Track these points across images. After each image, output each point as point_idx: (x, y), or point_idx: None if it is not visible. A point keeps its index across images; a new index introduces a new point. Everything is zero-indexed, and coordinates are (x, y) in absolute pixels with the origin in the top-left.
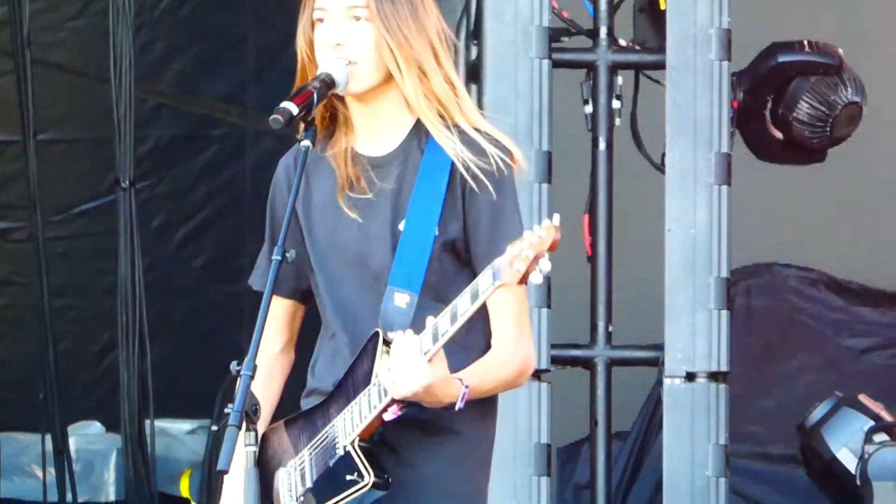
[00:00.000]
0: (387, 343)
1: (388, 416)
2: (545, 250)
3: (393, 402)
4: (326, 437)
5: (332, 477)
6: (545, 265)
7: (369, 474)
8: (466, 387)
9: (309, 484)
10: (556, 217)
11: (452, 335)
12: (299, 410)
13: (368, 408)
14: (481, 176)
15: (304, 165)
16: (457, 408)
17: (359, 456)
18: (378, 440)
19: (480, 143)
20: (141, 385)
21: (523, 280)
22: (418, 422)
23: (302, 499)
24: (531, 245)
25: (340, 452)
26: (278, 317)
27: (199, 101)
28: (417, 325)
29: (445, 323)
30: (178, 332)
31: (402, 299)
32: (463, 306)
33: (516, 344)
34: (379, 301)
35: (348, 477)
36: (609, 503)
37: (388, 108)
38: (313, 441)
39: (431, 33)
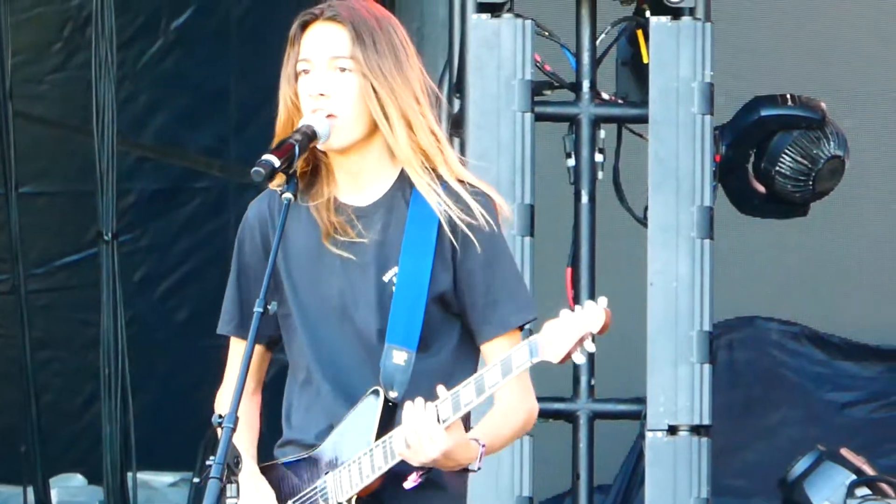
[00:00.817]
0: (388, 402)
1: (408, 485)
2: (595, 332)
3: (412, 469)
4: (316, 491)
5: None
6: (590, 346)
7: None
8: (483, 446)
9: None
10: (604, 300)
11: (477, 406)
12: (274, 459)
13: (371, 468)
14: (467, 231)
15: (285, 218)
16: (476, 468)
17: None
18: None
19: (465, 198)
20: (123, 437)
21: (565, 360)
22: (406, 477)
23: None
24: (580, 325)
25: None
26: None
27: (182, 154)
28: (414, 382)
29: (470, 394)
30: (161, 384)
31: (400, 356)
32: (492, 379)
33: (520, 396)
34: (363, 351)
35: None
36: None
37: (371, 161)
38: (300, 494)
39: (415, 85)
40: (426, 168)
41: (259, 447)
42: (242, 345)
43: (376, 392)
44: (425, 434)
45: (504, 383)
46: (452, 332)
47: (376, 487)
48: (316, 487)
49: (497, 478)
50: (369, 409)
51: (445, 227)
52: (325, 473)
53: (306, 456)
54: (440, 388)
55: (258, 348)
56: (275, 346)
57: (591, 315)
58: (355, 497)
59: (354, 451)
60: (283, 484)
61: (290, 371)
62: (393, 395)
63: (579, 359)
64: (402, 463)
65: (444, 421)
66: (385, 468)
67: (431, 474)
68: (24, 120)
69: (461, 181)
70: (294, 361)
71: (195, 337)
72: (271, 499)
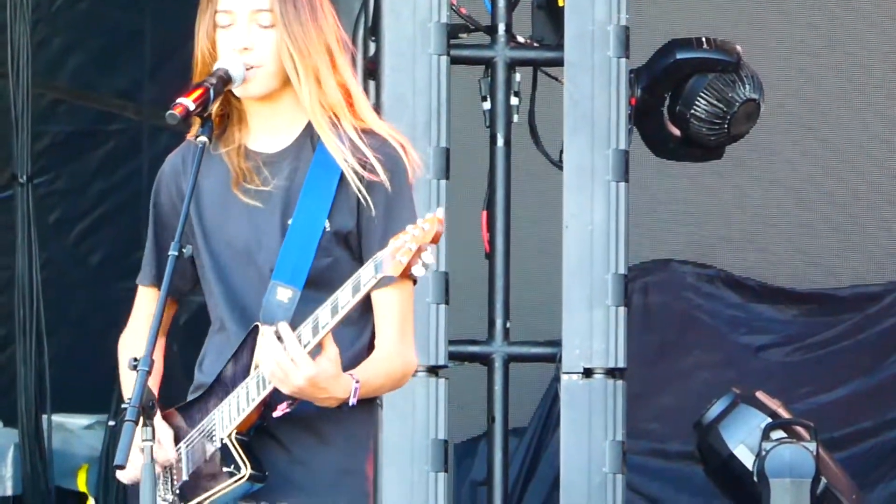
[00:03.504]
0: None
1: (276, 414)
2: (428, 242)
3: (281, 400)
4: (203, 429)
5: (209, 469)
6: (428, 258)
7: (246, 466)
8: (357, 382)
9: (185, 477)
10: (441, 210)
11: (334, 327)
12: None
13: (247, 400)
14: (371, 181)
15: (200, 161)
16: (350, 403)
17: (236, 448)
18: (267, 436)
19: (368, 151)
20: (38, 380)
21: (405, 272)
22: (307, 417)
23: (178, 492)
24: (414, 237)
25: (217, 445)
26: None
27: (97, 97)
28: (299, 320)
29: (326, 315)
30: (75, 327)
31: (284, 294)
32: (344, 299)
33: (398, 347)
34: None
35: (225, 469)
36: (506, 500)
37: (286, 107)
38: (190, 434)
39: (329, 36)
40: (333, 123)
41: (179, 394)
42: (151, 292)
43: (257, 328)
44: (287, 358)
45: (356, 301)
46: None
47: (255, 420)
48: (204, 426)
49: (412, 421)
50: (248, 344)
51: (348, 177)
52: (212, 411)
53: (197, 396)
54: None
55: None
56: (182, 297)
57: (426, 227)
58: (235, 431)
59: (234, 386)
60: (181, 428)
61: (211, 322)
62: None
63: (419, 271)
64: (276, 393)
65: (305, 345)
66: (258, 399)
67: (332, 414)
68: None
69: (369, 130)
70: (210, 310)
71: (110, 279)
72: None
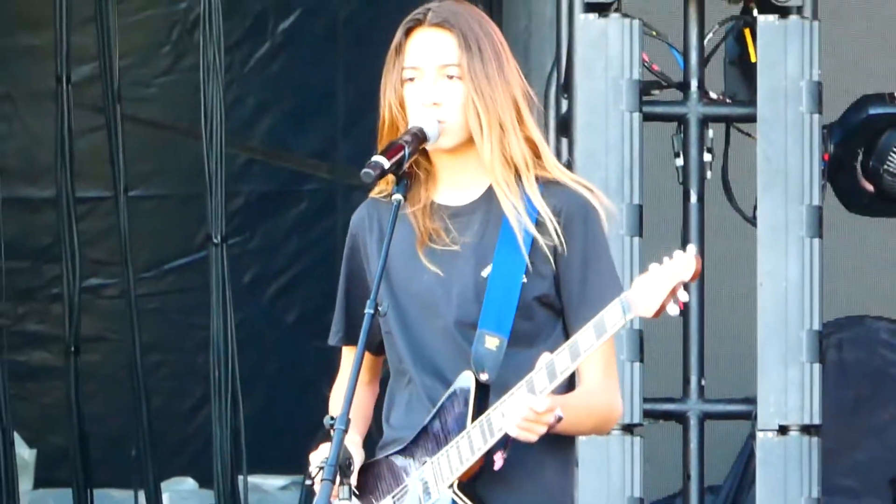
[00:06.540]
0: (479, 384)
1: (497, 466)
2: (687, 280)
3: (496, 449)
4: (414, 482)
5: None
6: (683, 295)
7: None
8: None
9: None
10: (692, 246)
11: (571, 372)
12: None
13: (471, 450)
14: (559, 234)
15: (395, 218)
16: (555, 416)
17: (461, 499)
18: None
19: (547, 215)
20: (234, 440)
21: (659, 312)
22: (506, 474)
23: None
24: (670, 275)
25: (437, 496)
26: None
27: (290, 157)
28: (506, 369)
29: (565, 360)
30: (271, 387)
31: (492, 342)
32: (586, 342)
33: (602, 386)
34: (459, 347)
35: None
36: None
37: (474, 160)
38: (397, 489)
39: (515, 89)
40: (516, 179)
41: (369, 446)
42: (354, 351)
43: (467, 376)
44: (532, 418)
45: (599, 345)
46: (555, 329)
47: (476, 470)
48: (414, 479)
49: (608, 478)
50: (462, 394)
51: (537, 231)
52: (423, 464)
53: (402, 448)
54: (544, 356)
55: (367, 355)
56: (383, 351)
57: (682, 263)
58: (457, 482)
59: (450, 437)
60: (382, 481)
61: (391, 376)
62: (484, 377)
63: (673, 310)
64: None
65: (541, 391)
66: (484, 448)
67: (531, 470)
68: (133, 123)
69: (555, 182)
70: (393, 364)
71: (305, 338)
72: None
